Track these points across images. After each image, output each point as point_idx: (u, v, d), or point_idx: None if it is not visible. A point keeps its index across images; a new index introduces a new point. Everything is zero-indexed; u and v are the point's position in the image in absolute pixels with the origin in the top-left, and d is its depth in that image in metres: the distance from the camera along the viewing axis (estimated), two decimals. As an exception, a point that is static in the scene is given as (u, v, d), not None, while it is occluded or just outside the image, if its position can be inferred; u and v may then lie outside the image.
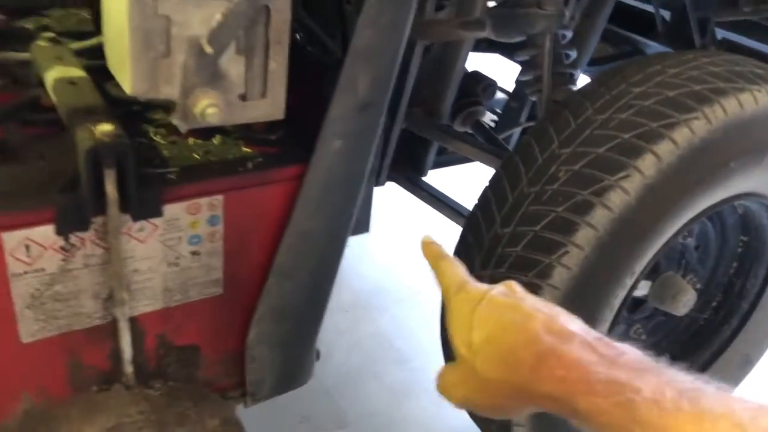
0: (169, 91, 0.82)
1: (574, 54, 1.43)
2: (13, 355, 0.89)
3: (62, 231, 0.84)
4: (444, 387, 0.68)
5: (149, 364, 1.01)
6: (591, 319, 1.13)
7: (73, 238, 0.85)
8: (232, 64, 0.85)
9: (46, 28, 1.20)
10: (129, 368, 0.98)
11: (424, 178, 1.84)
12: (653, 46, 1.89)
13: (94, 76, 0.97)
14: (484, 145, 1.64)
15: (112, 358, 0.98)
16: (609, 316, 1.16)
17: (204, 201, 0.93)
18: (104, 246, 0.88)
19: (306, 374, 1.22)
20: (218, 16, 0.79)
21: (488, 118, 1.90)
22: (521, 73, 1.47)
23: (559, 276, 1.05)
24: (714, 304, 1.55)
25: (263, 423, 1.52)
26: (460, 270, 0.71)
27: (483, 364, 0.62)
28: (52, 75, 0.95)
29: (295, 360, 1.17)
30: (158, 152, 0.96)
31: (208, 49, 0.79)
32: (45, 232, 0.83)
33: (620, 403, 0.52)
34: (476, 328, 0.63)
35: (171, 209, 0.90)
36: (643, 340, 1.49)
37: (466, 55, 1.61)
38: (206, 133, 1.00)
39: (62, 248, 0.86)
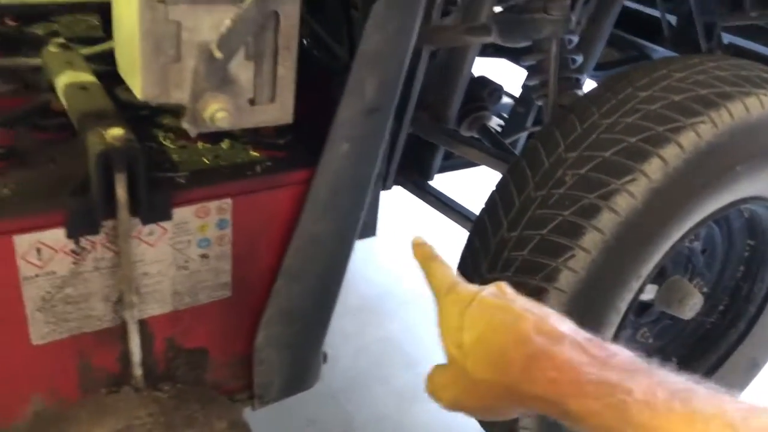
0: (180, 96, 0.83)
1: (580, 59, 1.44)
2: (23, 357, 0.90)
3: (73, 234, 0.85)
4: (434, 389, 0.67)
5: (158, 367, 1.02)
6: (598, 323, 1.14)
7: (83, 242, 0.86)
8: (242, 69, 0.86)
9: (56, 34, 1.22)
10: (138, 371, 0.98)
11: (430, 183, 1.85)
12: (659, 51, 1.90)
13: (104, 82, 0.98)
14: (491, 149, 1.65)
15: (122, 360, 0.98)
16: (616, 319, 1.16)
17: (213, 205, 0.93)
18: (114, 249, 0.89)
19: (313, 377, 1.22)
20: (228, 22, 0.80)
21: (495, 122, 1.91)
22: (527, 77, 1.48)
23: (566, 279, 1.06)
24: (721, 307, 1.55)
25: (270, 426, 1.52)
26: (450, 271, 0.71)
27: (473, 365, 0.61)
28: (62, 80, 0.96)
29: (302, 363, 1.18)
30: (168, 156, 0.97)
31: (218, 55, 0.80)
32: (56, 236, 0.84)
33: (612, 405, 0.52)
34: (466, 330, 0.63)
35: (180, 213, 0.91)
36: (650, 343, 1.49)
37: (473, 60, 1.62)
38: (215, 137, 1.01)
39: (73, 251, 0.86)
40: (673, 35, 1.81)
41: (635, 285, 1.14)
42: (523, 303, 0.64)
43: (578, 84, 1.41)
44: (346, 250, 1.10)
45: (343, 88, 0.94)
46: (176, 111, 0.96)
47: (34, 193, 0.85)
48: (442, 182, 1.87)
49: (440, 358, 0.66)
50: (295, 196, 0.99)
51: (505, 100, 1.93)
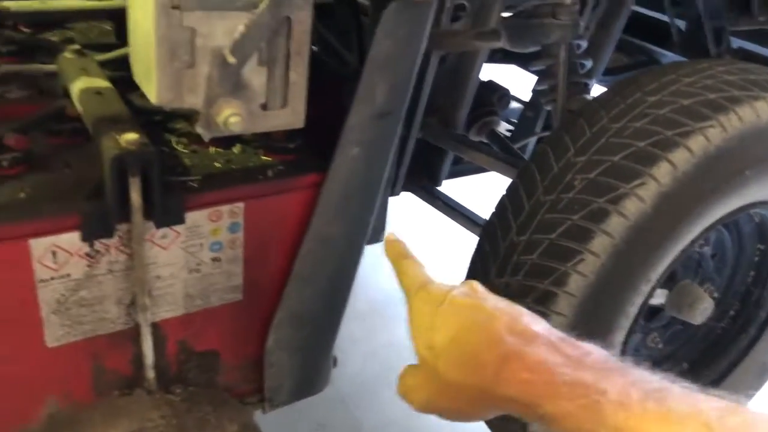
0: (193, 101, 0.84)
1: (589, 64, 1.44)
2: (38, 359, 0.91)
3: (88, 237, 0.86)
4: (405, 390, 0.66)
5: (170, 369, 1.03)
6: (607, 327, 1.14)
7: (98, 245, 0.87)
8: (254, 75, 0.87)
9: (70, 41, 1.23)
10: (151, 373, 0.99)
11: (439, 188, 1.85)
12: (668, 56, 1.90)
13: (119, 87, 1.00)
14: (500, 154, 1.65)
15: (134, 363, 0.99)
16: (625, 324, 1.16)
17: (225, 208, 0.94)
18: (128, 252, 0.90)
19: (323, 380, 1.23)
20: (241, 28, 0.81)
21: (503, 127, 1.91)
22: (536, 82, 1.49)
23: (575, 284, 1.06)
24: (731, 312, 1.55)
25: (280, 429, 1.53)
26: (421, 270, 0.70)
27: (445, 366, 0.60)
28: (78, 86, 0.97)
29: (312, 366, 1.19)
30: (180, 161, 0.98)
31: (232, 60, 0.81)
32: (71, 239, 0.85)
33: (586, 406, 0.51)
34: (438, 330, 0.61)
35: (193, 216, 0.92)
36: (660, 348, 1.49)
37: (481, 65, 1.62)
38: (227, 142, 1.02)
39: (87, 254, 0.87)
40: (682, 40, 1.81)
41: (645, 289, 1.14)
42: (495, 302, 0.62)
43: (587, 89, 1.42)
44: (356, 253, 1.11)
45: (353, 93, 0.94)
46: (189, 116, 0.97)
47: (49, 197, 0.87)
48: (450, 188, 1.88)
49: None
50: (306, 200, 1.00)
51: (514, 105, 1.93)
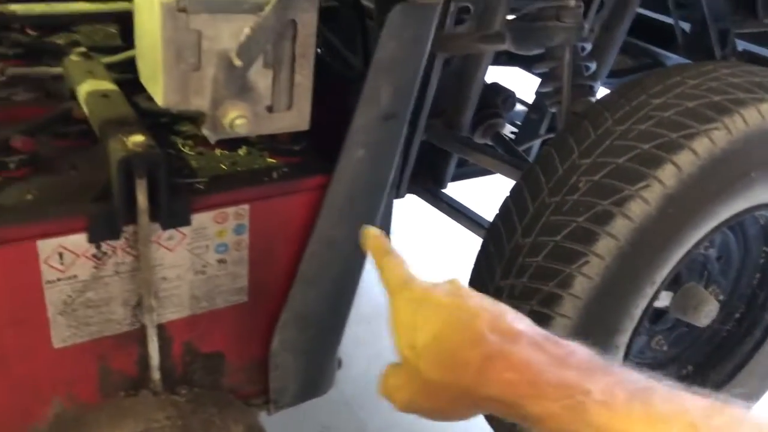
0: (200, 103, 0.85)
1: (593, 66, 1.45)
2: (45, 360, 0.91)
3: (95, 239, 0.86)
4: (387, 390, 0.65)
5: (176, 371, 1.03)
6: (612, 329, 1.14)
7: (104, 246, 0.88)
8: (260, 77, 0.88)
9: (76, 44, 1.24)
10: (156, 374, 0.99)
11: (444, 190, 1.86)
12: (673, 58, 1.90)
13: (125, 90, 1.00)
14: (504, 156, 1.65)
15: (140, 364, 1.00)
16: (630, 325, 1.16)
17: (231, 210, 0.95)
18: (134, 254, 0.90)
19: (328, 382, 1.23)
20: (247, 31, 0.81)
21: (508, 130, 1.91)
22: (541, 85, 1.49)
23: (580, 285, 1.06)
24: (737, 315, 1.54)
25: (285, 431, 1.53)
26: (403, 266, 0.68)
27: (427, 366, 0.59)
28: (84, 88, 0.97)
29: (317, 368, 1.19)
30: (186, 163, 0.98)
31: (237, 63, 0.81)
32: (78, 241, 0.86)
33: (571, 407, 0.51)
34: (420, 329, 0.60)
35: (199, 218, 0.93)
36: (665, 351, 1.49)
37: (486, 67, 1.62)
38: (232, 144, 1.02)
39: (94, 256, 0.88)
40: (687, 42, 1.81)
41: (650, 291, 1.14)
42: (477, 300, 0.61)
43: (591, 91, 1.42)
44: (361, 255, 1.11)
45: (358, 95, 0.95)
46: (195, 118, 0.98)
47: (56, 198, 0.87)
48: (455, 190, 1.88)
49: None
50: (311, 202, 1.01)
51: (519, 107, 1.93)
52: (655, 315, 1.39)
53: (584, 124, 1.14)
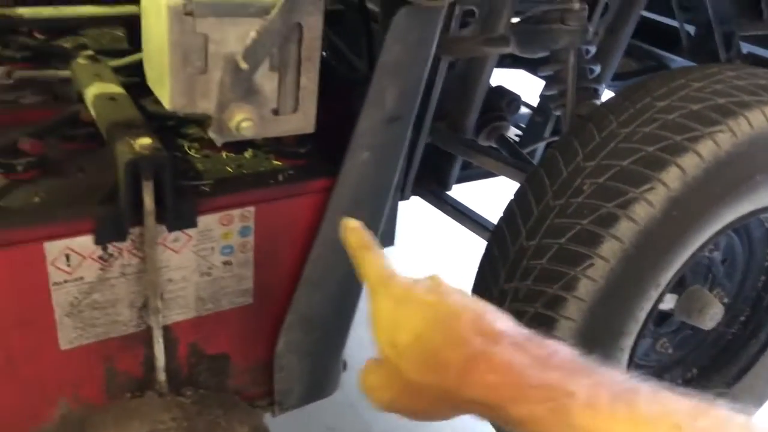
0: (206, 106, 0.85)
1: (598, 69, 1.45)
2: (52, 361, 0.92)
3: (101, 241, 0.87)
4: (368, 388, 0.63)
5: (181, 372, 1.04)
6: (617, 332, 1.14)
7: (111, 248, 0.88)
8: (266, 80, 0.88)
9: (84, 47, 1.25)
10: (162, 376, 1.00)
11: (448, 192, 1.86)
12: (678, 61, 1.90)
13: (132, 93, 1.01)
14: (509, 159, 1.66)
15: (146, 365, 1.00)
16: (635, 328, 1.16)
17: (236, 212, 0.95)
18: (140, 256, 0.91)
19: (333, 385, 1.23)
20: (253, 34, 0.82)
21: (512, 132, 1.92)
22: (545, 87, 1.49)
23: (585, 288, 1.06)
24: (742, 318, 1.54)
25: (290, 433, 1.53)
26: (384, 262, 0.67)
27: (408, 366, 0.58)
28: (92, 91, 0.98)
29: (322, 370, 1.19)
30: (192, 165, 0.99)
31: (244, 66, 0.82)
32: (84, 242, 0.86)
33: (555, 410, 0.50)
34: (401, 328, 0.59)
35: (205, 220, 0.93)
36: (669, 354, 1.48)
37: (491, 70, 1.63)
38: (238, 146, 1.03)
39: (100, 258, 0.88)
40: (692, 45, 1.81)
41: (654, 294, 1.14)
42: (459, 298, 0.60)
43: (596, 94, 1.42)
44: (366, 258, 1.11)
45: (363, 98, 0.95)
46: (201, 121, 0.99)
47: (63, 201, 0.88)
48: (459, 192, 1.88)
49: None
50: (316, 204, 1.01)
51: (523, 110, 1.94)
52: (659, 318, 1.38)
53: (589, 126, 1.15)
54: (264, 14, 0.83)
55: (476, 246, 1.39)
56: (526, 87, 2.04)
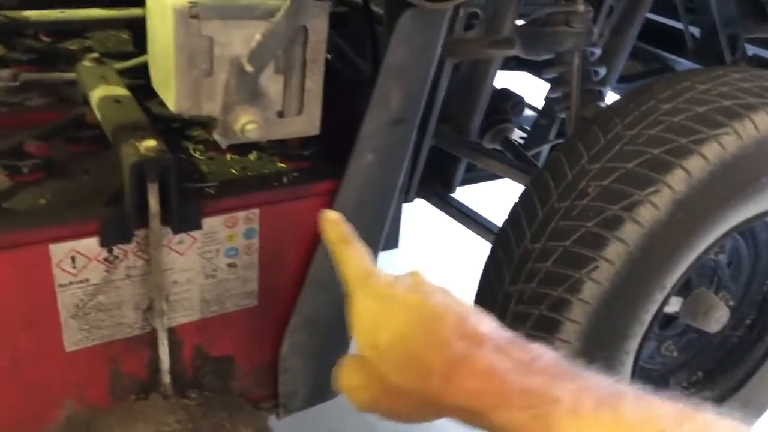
0: (211, 108, 0.85)
1: (603, 71, 1.45)
2: (57, 363, 0.92)
3: (106, 243, 0.87)
4: (347, 388, 0.61)
5: (186, 374, 1.04)
6: (622, 335, 1.13)
7: (116, 250, 0.89)
8: (271, 83, 0.88)
9: (89, 50, 1.25)
10: (167, 378, 1.00)
11: (452, 195, 1.86)
12: (683, 63, 1.89)
13: (137, 95, 1.01)
14: (513, 161, 1.65)
15: (151, 367, 1.00)
16: (640, 331, 1.15)
17: (241, 215, 0.95)
18: (145, 258, 0.91)
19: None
20: (258, 37, 0.82)
21: (517, 135, 1.91)
22: (550, 90, 1.49)
23: (590, 291, 1.06)
24: (748, 321, 1.53)
25: (294, 436, 1.53)
26: (365, 258, 0.64)
27: (389, 369, 0.56)
28: (97, 94, 0.98)
29: (327, 372, 1.18)
30: (197, 167, 0.99)
31: (249, 68, 0.82)
32: (90, 244, 0.87)
33: (538, 417, 0.49)
34: (382, 329, 0.57)
35: (209, 222, 0.93)
36: (674, 357, 1.48)
37: (495, 73, 1.63)
38: (243, 149, 1.03)
39: (106, 260, 0.89)
40: (697, 47, 1.81)
41: (659, 297, 1.13)
42: (440, 298, 0.58)
43: (601, 96, 1.42)
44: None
45: (368, 100, 0.95)
46: (206, 123, 0.99)
47: (69, 203, 0.88)
48: (464, 194, 1.88)
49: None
50: (321, 206, 1.00)
51: (528, 112, 1.94)
52: (664, 321, 1.38)
53: (593, 129, 1.14)
54: (269, 17, 0.83)
55: (480, 248, 1.39)
56: (530, 89, 2.04)
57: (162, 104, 0.93)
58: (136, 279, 0.92)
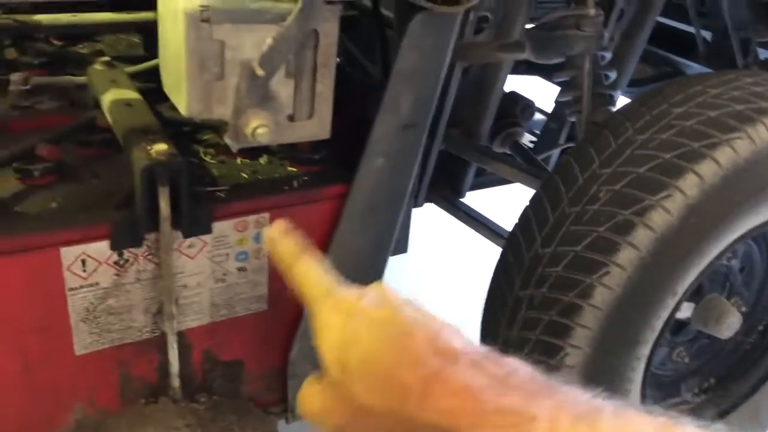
0: (222, 112, 0.86)
1: (613, 75, 1.44)
2: (67, 366, 0.92)
3: (117, 246, 0.87)
4: (314, 413, 0.56)
5: (195, 378, 1.04)
6: (633, 340, 1.13)
7: (126, 254, 0.89)
8: (282, 87, 0.88)
9: (100, 53, 1.26)
10: (176, 382, 1.00)
11: (462, 199, 1.85)
12: (694, 67, 1.88)
13: (148, 99, 1.01)
14: (523, 166, 1.65)
15: (160, 371, 1.00)
16: (651, 337, 1.15)
17: (251, 218, 0.95)
18: (156, 261, 0.91)
19: (346, 391, 1.23)
20: (269, 41, 0.82)
21: (527, 139, 1.91)
22: (560, 94, 1.48)
23: (601, 296, 1.05)
24: (760, 327, 1.52)
25: (302, 440, 1.52)
26: (323, 270, 0.60)
27: (362, 389, 0.52)
28: (108, 97, 0.99)
29: (336, 377, 1.19)
30: (208, 171, 0.99)
31: (260, 72, 0.82)
32: (100, 248, 0.87)
33: None
34: (351, 347, 0.53)
35: (220, 226, 0.93)
36: (686, 363, 1.47)
37: (505, 76, 1.62)
38: (253, 152, 1.03)
39: (116, 263, 0.89)
40: (708, 51, 1.80)
41: (671, 302, 1.13)
42: (410, 312, 0.55)
43: (612, 100, 1.41)
44: (381, 263, 1.11)
45: (378, 105, 0.95)
46: (217, 127, 0.99)
47: (80, 206, 0.88)
48: (473, 199, 1.87)
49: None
50: (331, 211, 1.01)
51: (538, 116, 1.93)
52: (676, 326, 1.37)
53: (605, 133, 1.14)
54: (280, 21, 0.83)
55: (490, 253, 1.38)
56: (540, 93, 2.04)
57: (173, 108, 0.93)
58: (146, 282, 0.92)
